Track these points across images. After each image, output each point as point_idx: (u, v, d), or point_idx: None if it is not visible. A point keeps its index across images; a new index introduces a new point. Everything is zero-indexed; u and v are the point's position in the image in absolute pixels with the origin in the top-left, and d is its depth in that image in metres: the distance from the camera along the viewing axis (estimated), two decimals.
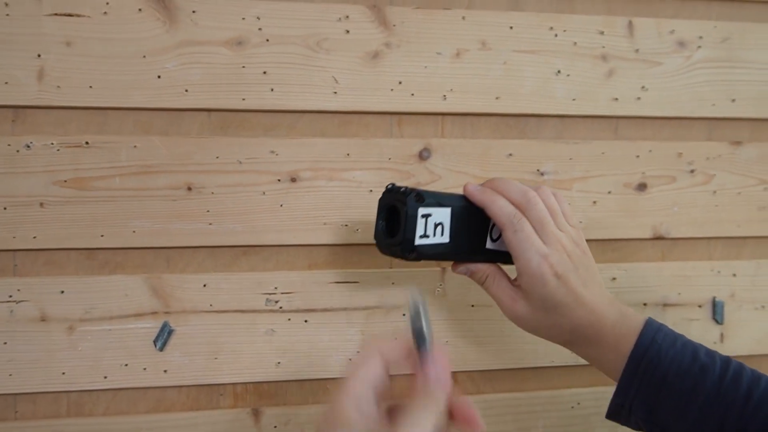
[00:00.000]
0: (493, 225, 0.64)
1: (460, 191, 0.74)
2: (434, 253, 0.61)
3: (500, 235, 0.63)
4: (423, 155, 0.74)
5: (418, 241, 0.60)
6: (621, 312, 0.62)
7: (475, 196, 0.63)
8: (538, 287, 0.60)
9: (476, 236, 0.64)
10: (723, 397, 0.57)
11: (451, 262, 0.66)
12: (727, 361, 0.59)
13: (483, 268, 0.64)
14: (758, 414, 0.55)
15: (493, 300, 0.65)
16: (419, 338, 0.47)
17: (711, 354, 0.60)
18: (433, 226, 0.61)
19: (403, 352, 0.48)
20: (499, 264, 0.65)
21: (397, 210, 0.61)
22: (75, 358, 0.68)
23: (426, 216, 0.60)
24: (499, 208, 0.61)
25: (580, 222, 0.78)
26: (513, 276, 0.64)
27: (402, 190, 0.61)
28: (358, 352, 0.57)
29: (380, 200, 0.63)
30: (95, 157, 0.68)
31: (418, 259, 0.61)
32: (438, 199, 0.61)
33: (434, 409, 0.45)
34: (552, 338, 0.63)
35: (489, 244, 0.64)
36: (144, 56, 0.68)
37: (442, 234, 0.61)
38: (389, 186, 0.62)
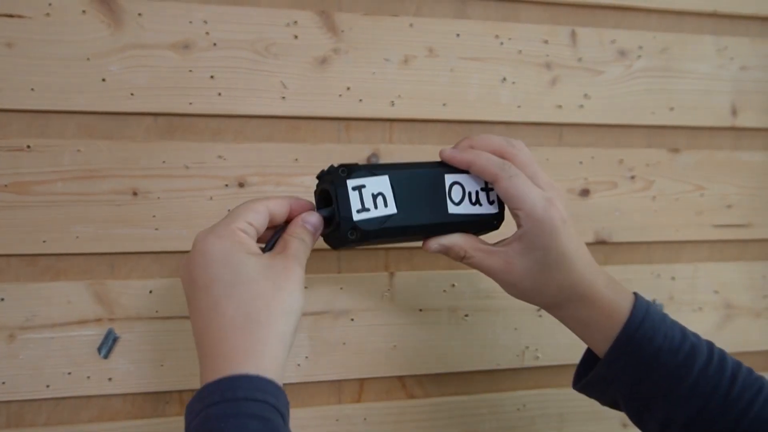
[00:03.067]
0: (452, 186, 0.58)
1: None
2: (385, 228, 0.56)
3: (463, 198, 0.59)
4: (371, 161, 0.75)
5: (356, 217, 0.54)
6: (609, 277, 0.60)
7: (456, 158, 0.58)
8: (545, 235, 0.56)
9: (433, 202, 0.58)
10: (711, 379, 0.57)
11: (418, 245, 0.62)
12: (710, 343, 0.59)
13: (459, 241, 0.59)
14: (742, 397, 0.56)
15: (482, 272, 0.60)
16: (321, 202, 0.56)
17: (695, 334, 0.59)
18: (371, 197, 0.55)
19: (284, 206, 0.56)
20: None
21: (329, 193, 0.55)
22: (15, 367, 0.66)
23: (359, 188, 0.55)
24: (485, 160, 0.57)
25: None
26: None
27: (328, 169, 0.56)
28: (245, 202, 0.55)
29: (315, 192, 0.59)
30: (37, 161, 0.66)
31: (368, 238, 0.55)
32: (372, 169, 0.56)
33: (303, 238, 0.54)
34: (545, 299, 0.60)
35: (452, 209, 0.58)
36: (88, 59, 0.67)
37: (386, 205, 0.56)
38: (318, 174, 0.57)
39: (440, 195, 0.58)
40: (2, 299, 0.66)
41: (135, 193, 0.69)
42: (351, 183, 0.55)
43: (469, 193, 0.59)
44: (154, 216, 0.69)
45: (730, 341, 0.87)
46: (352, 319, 0.75)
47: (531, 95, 0.79)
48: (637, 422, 0.61)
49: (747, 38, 0.87)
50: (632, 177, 0.83)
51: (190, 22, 0.69)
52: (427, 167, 0.59)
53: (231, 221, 0.52)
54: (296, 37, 0.72)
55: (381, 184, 0.56)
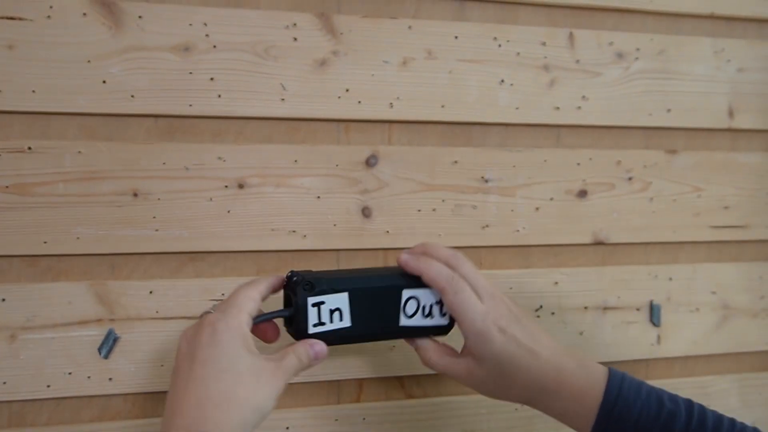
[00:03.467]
0: (408, 300, 0.64)
1: (408, 198, 0.76)
2: (338, 338, 0.62)
3: (416, 311, 0.64)
4: (370, 162, 0.75)
5: (311, 330, 0.60)
6: (579, 362, 0.62)
7: (410, 264, 0.64)
8: (487, 345, 0.60)
9: (386, 315, 0.63)
10: None
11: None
12: (689, 404, 0.60)
13: (429, 347, 0.65)
14: None
15: (449, 377, 0.65)
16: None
17: (674, 399, 0.60)
18: (329, 312, 0.61)
19: (269, 287, 0.62)
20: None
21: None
22: (16, 367, 0.67)
23: (318, 304, 0.60)
24: (436, 271, 0.62)
25: (524, 228, 0.80)
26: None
27: (294, 279, 0.61)
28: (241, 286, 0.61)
29: (284, 288, 0.63)
30: (38, 162, 0.67)
31: None
32: (334, 285, 0.61)
33: (302, 360, 0.59)
34: (516, 398, 0.63)
35: (404, 321, 0.64)
36: (89, 61, 0.67)
37: (341, 319, 0.61)
38: (288, 274, 0.62)
39: (394, 309, 0.64)
40: (3, 300, 0.67)
41: (135, 194, 0.69)
42: (311, 300, 0.60)
43: (423, 307, 0.64)
44: (154, 217, 0.70)
45: (727, 342, 0.87)
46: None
47: (529, 97, 0.80)
48: None
49: (744, 40, 0.87)
50: (630, 178, 0.84)
51: (190, 24, 0.70)
52: (388, 280, 0.64)
53: (238, 312, 0.57)
54: (296, 39, 0.72)
55: (340, 300, 0.61)
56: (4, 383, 0.67)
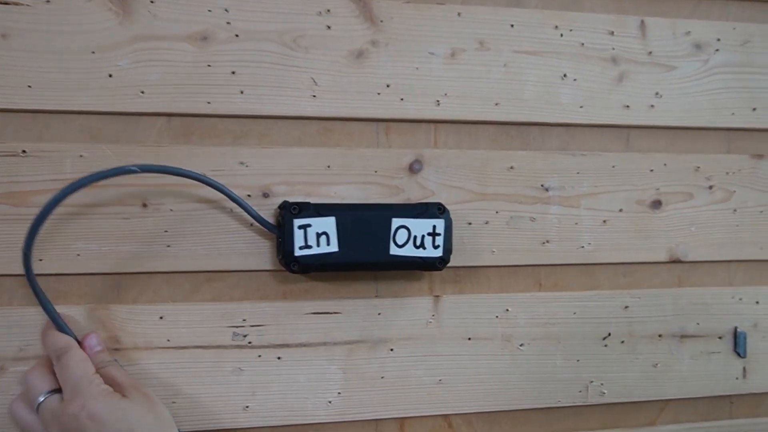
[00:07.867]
0: (398, 229, 0.66)
1: (456, 210, 0.72)
2: (324, 263, 0.65)
3: (407, 241, 0.67)
4: (414, 168, 0.71)
5: (298, 252, 0.64)
6: None
7: None
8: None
9: (376, 243, 0.66)
10: None
11: None
12: None
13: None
14: None
15: None
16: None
17: None
18: (315, 236, 0.65)
19: None
20: None
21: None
22: (5, 405, 0.61)
23: (305, 227, 0.64)
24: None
25: (589, 243, 0.75)
26: None
27: (282, 204, 0.65)
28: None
29: (275, 217, 0.67)
30: (34, 168, 0.63)
31: (308, 271, 0.65)
32: (321, 209, 0.65)
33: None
34: None
35: (394, 250, 0.67)
36: (93, 52, 0.63)
37: (328, 243, 0.65)
38: (281, 203, 0.66)
39: (384, 237, 0.67)
40: None
41: (145, 205, 0.65)
42: (297, 222, 0.64)
43: (415, 237, 0.67)
44: (165, 231, 0.66)
45: None
46: (392, 350, 0.71)
47: (595, 94, 0.76)
48: None
49: None
50: (710, 187, 0.79)
51: (209, 10, 0.66)
52: (378, 208, 0.67)
53: (88, 382, 0.57)
54: (329, 27, 0.69)
55: (327, 224, 0.65)
56: None
